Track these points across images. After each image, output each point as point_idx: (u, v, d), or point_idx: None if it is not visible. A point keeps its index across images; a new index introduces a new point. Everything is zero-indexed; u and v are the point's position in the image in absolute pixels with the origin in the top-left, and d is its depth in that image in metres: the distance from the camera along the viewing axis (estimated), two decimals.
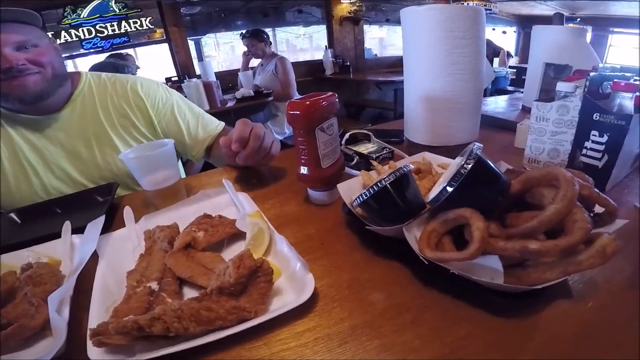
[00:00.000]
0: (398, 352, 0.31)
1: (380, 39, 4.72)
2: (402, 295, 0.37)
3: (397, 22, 3.91)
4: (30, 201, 0.78)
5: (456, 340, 0.31)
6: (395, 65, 3.92)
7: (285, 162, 0.76)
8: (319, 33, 4.35)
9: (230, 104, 2.54)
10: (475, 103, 0.69)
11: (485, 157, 0.35)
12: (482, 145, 0.36)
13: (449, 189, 0.34)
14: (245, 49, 2.71)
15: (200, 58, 3.75)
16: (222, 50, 4.12)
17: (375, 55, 4.50)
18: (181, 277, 0.41)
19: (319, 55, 4.07)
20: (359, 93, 3.90)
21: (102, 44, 3.28)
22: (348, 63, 3.74)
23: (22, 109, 0.76)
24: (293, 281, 0.38)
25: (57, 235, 0.57)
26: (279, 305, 0.36)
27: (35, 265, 0.49)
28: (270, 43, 2.67)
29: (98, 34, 3.25)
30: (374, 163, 0.52)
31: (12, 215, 0.70)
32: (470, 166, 0.33)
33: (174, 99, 0.92)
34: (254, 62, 2.87)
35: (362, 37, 4.15)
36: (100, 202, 0.72)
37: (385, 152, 0.70)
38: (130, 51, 3.20)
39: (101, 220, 0.52)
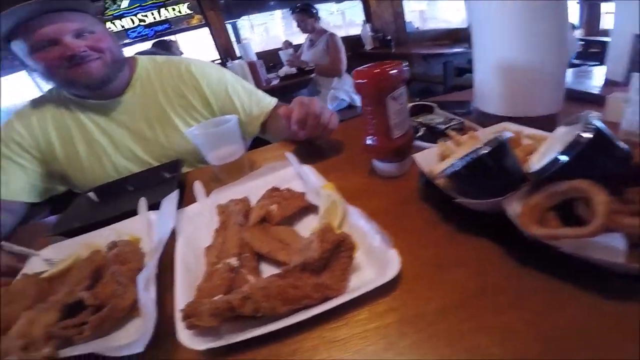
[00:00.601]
0: (497, 334, 0.28)
1: (420, 12, 4.45)
2: (495, 275, 0.33)
3: None
4: (102, 181, 0.83)
5: (566, 323, 0.27)
6: (440, 38, 3.65)
7: (340, 135, 0.73)
8: (352, 9, 4.18)
9: (274, 82, 2.54)
10: (559, 73, 0.62)
11: (605, 127, 0.30)
12: (599, 114, 0.31)
13: (562, 159, 0.30)
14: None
15: (238, 40, 3.78)
16: (257, 31, 4.12)
17: (417, 28, 4.25)
18: (259, 252, 0.40)
19: (353, 31, 3.92)
20: None
21: (146, 32, 3.40)
22: (389, 37, 3.55)
23: (88, 95, 0.80)
24: (371, 256, 0.36)
25: (133, 212, 0.58)
26: (357, 282, 0.34)
27: (120, 243, 0.50)
28: (319, 18, 2.60)
29: (141, 23, 3.36)
30: (451, 133, 0.48)
31: (90, 194, 0.75)
32: (589, 135, 0.29)
33: (227, 78, 0.93)
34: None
35: (401, 10, 3.92)
36: (167, 178, 0.75)
37: (454, 123, 0.64)
38: (172, 38, 3.30)
39: (175, 195, 0.52)
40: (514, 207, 0.34)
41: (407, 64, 0.48)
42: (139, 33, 3.37)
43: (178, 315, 0.32)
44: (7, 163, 0.77)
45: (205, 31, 3.61)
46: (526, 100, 0.62)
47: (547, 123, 0.50)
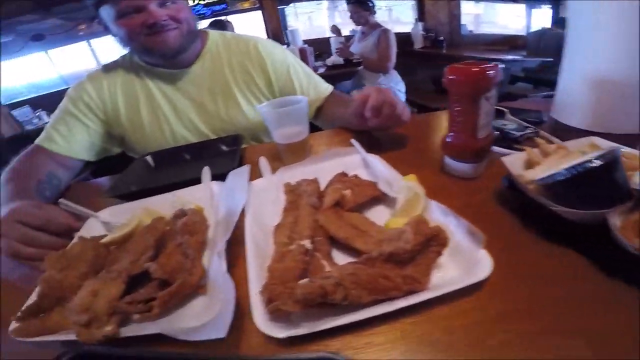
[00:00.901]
0: (588, 338, 0.27)
1: (475, 15, 4.28)
2: (584, 283, 0.32)
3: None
4: (159, 147, 0.85)
5: None
6: (496, 43, 3.49)
7: (405, 130, 0.71)
8: (401, 6, 4.06)
9: (320, 70, 2.55)
10: None
11: None
12: None
13: None
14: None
15: (285, 27, 3.79)
16: (301, 20, 4.10)
17: (471, 31, 4.09)
18: (335, 237, 0.39)
19: (399, 29, 3.82)
20: None
21: (204, 11, 3.48)
22: (442, 38, 3.44)
23: (161, 63, 0.83)
24: (455, 253, 0.34)
25: (192, 182, 0.57)
26: (438, 278, 0.33)
27: (189, 212, 0.47)
28: (375, 12, 2.55)
29: (200, 1, 3.45)
30: (539, 141, 0.46)
31: (148, 159, 0.77)
32: None
33: (290, 59, 0.94)
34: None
35: (458, 12, 3.78)
36: (225, 152, 0.77)
37: (528, 131, 0.62)
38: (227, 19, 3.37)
39: (246, 170, 0.51)
40: (615, 220, 0.33)
41: (503, 65, 0.46)
42: (197, 11, 3.47)
43: (255, 299, 0.31)
44: (72, 121, 0.82)
45: (256, 15, 3.66)
46: (615, 116, 0.58)
47: (631, 141, 0.47)
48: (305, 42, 3.16)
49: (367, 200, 0.46)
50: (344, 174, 0.51)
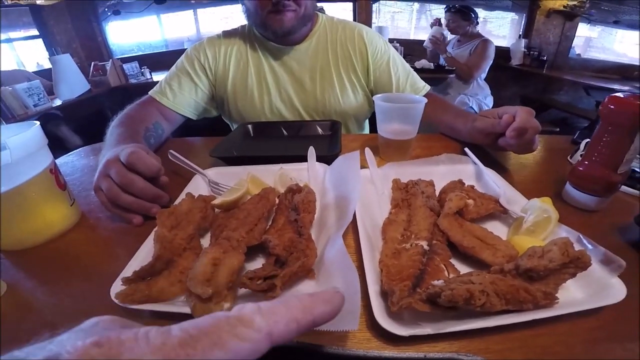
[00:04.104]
0: None
1: (586, 39, 3.85)
2: None
3: (629, 25, 3.10)
4: (255, 116, 0.92)
5: None
6: (606, 70, 3.12)
7: None
8: (498, 20, 3.81)
9: None
10: None
11: None
12: None
13: None
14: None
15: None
16: (383, 18, 3.98)
17: (579, 55, 3.69)
18: (459, 245, 0.38)
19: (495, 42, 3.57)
20: (547, 91, 3.31)
21: None
22: (545, 57, 3.16)
23: (273, 39, 0.87)
24: (583, 276, 0.33)
25: (294, 158, 0.57)
26: (560, 296, 0.33)
27: (305, 189, 0.45)
28: (477, 23, 2.43)
29: None
30: None
31: (249, 127, 0.82)
32: None
33: (391, 52, 0.95)
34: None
35: (572, 34, 3.45)
36: (321, 135, 0.80)
37: None
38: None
39: (357, 156, 0.48)
40: None
41: None
42: None
43: (374, 293, 0.31)
44: (185, 79, 0.87)
45: (347, 6, 3.66)
46: None
47: None
48: (391, 40, 3.10)
49: (489, 213, 0.45)
50: (461, 182, 0.50)
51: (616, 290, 0.32)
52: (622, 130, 0.43)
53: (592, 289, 0.33)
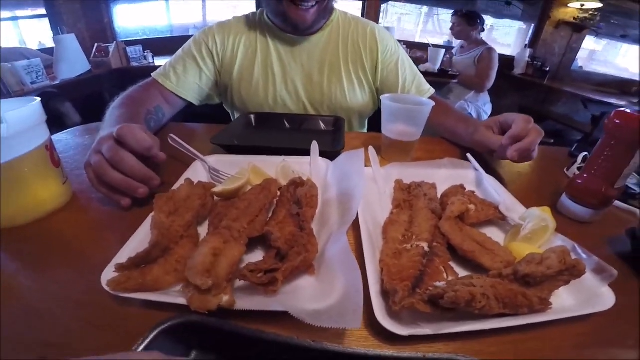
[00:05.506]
0: None
1: (590, 52, 3.88)
2: None
3: (636, 40, 3.12)
4: (258, 105, 0.90)
5: None
6: (606, 84, 3.15)
7: None
8: (505, 28, 3.82)
9: None
10: None
11: None
12: None
13: None
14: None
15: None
16: (389, 20, 3.97)
17: (581, 67, 3.72)
18: (459, 249, 0.38)
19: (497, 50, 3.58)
20: (545, 102, 3.33)
21: None
22: (547, 68, 3.17)
23: (287, 29, 0.86)
24: (574, 284, 0.34)
25: (295, 151, 0.56)
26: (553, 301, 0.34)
27: (308, 183, 0.44)
28: (483, 29, 2.43)
29: None
30: None
31: (251, 117, 0.81)
32: None
33: (401, 52, 0.95)
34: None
35: (578, 46, 3.47)
36: (324, 131, 0.79)
37: None
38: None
39: (361, 154, 0.49)
40: None
41: None
42: None
43: (375, 292, 0.31)
44: (190, 63, 0.86)
45: (357, 5, 3.64)
46: None
47: None
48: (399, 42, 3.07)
49: (488, 219, 0.45)
50: (463, 187, 0.51)
51: (606, 298, 0.33)
52: (625, 146, 0.43)
53: (583, 296, 0.35)
